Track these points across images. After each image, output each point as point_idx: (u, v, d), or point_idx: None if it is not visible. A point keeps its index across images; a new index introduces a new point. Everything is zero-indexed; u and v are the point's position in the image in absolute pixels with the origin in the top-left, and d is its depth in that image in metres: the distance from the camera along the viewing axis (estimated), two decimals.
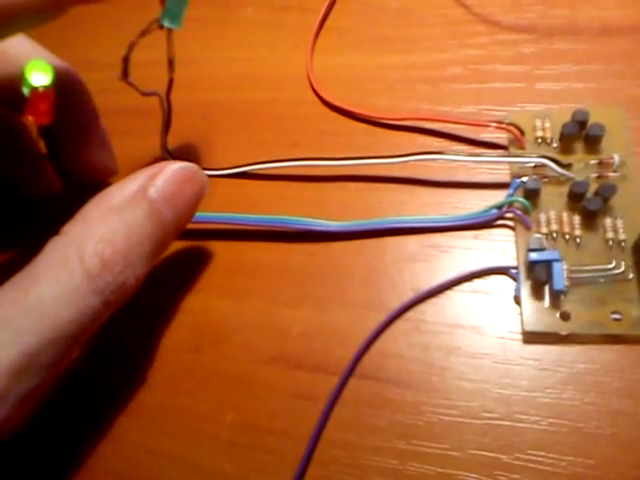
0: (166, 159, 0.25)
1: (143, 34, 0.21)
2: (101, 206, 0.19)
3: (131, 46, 0.21)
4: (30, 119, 0.19)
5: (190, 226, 0.22)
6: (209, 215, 0.24)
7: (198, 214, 0.24)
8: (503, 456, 0.20)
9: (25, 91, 0.19)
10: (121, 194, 0.19)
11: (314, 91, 0.28)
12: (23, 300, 0.17)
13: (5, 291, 0.17)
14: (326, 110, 0.27)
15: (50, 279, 0.17)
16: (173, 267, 0.25)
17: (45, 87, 0.19)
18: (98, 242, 0.18)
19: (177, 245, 0.25)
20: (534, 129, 0.24)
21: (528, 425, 0.20)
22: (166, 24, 0.21)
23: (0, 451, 0.19)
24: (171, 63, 0.23)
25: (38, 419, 0.22)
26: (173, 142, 0.25)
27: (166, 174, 0.20)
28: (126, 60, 0.22)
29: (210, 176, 0.26)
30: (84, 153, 0.24)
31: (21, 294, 0.17)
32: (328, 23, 0.30)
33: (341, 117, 0.27)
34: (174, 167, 0.20)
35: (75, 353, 0.19)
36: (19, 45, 0.22)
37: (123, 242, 0.18)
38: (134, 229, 0.19)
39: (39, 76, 0.19)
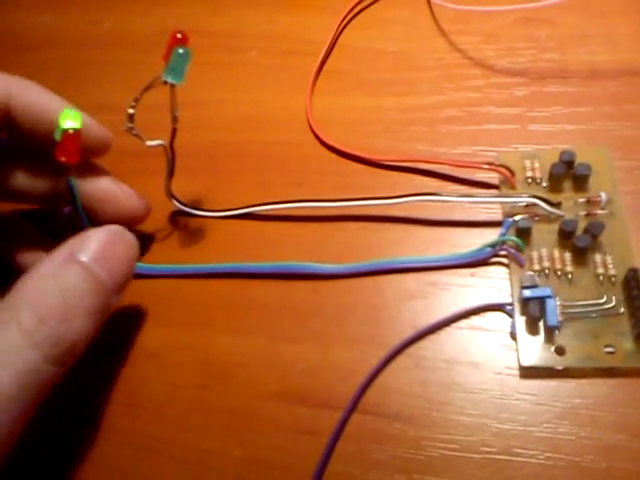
0: (171, 203, 0.27)
1: (146, 89, 0.22)
2: (34, 276, 0.20)
3: (136, 101, 0.22)
4: (63, 160, 0.21)
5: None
6: (214, 266, 0.26)
7: (203, 266, 0.26)
8: None
9: (57, 137, 0.22)
10: (52, 262, 0.20)
11: (313, 133, 0.29)
12: None
13: None
14: (327, 151, 0.29)
15: None
16: (179, 305, 0.25)
17: (74, 129, 0.21)
18: (32, 304, 0.19)
19: (183, 284, 0.26)
20: (524, 169, 0.25)
21: (526, 459, 0.20)
22: (169, 80, 0.22)
23: None
24: (174, 116, 0.24)
25: (53, 456, 0.23)
26: (179, 183, 0.26)
27: (91, 239, 0.21)
28: (131, 115, 0.23)
29: (214, 217, 0.27)
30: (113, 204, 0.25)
31: None
32: (328, 67, 0.32)
33: (341, 158, 0.28)
34: (99, 230, 0.22)
35: (27, 415, 0.18)
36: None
37: (57, 300, 0.19)
38: (68, 289, 0.20)
39: (70, 121, 0.22)
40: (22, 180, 0.25)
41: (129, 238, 0.23)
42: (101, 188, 0.25)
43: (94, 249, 0.21)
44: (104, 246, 0.21)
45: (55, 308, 0.19)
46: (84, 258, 0.21)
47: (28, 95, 0.22)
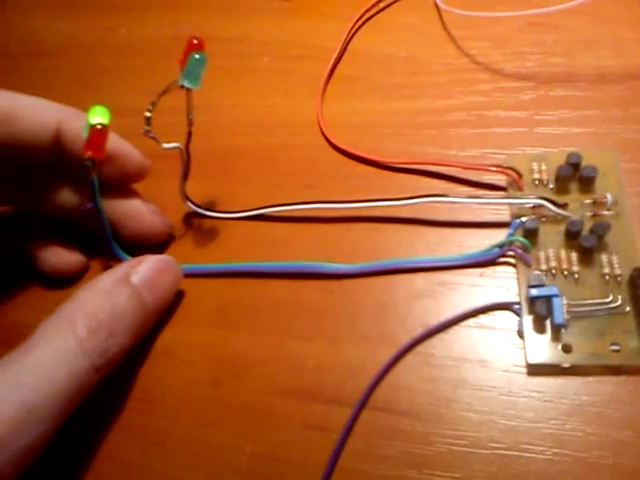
0: (185, 204, 0.27)
1: (163, 93, 0.23)
2: (90, 289, 0.23)
3: (153, 105, 0.23)
4: (89, 154, 0.22)
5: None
6: (227, 266, 0.26)
7: (216, 266, 0.26)
8: None
9: (85, 133, 0.23)
10: (108, 280, 0.23)
11: (324, 136, 0.30)
12: (23, 360, 0.20)
13: (8, 355, 0.20)
14: (337, 154, 0.29)
15: (47, 343, 0.20)
16: (194, 304, 0.26)
17: (102, 125, 0.22)
18: (86, 316, 0.21)
19: (198, 284, 0.26)
20: (531, 172, 0.26)
21: (533, 455, 0.21)
22: (185, 84, 0.23)
23: None
24: (190, 119, 0.24)
25: (71, 450, 0.23)
26: (192, 186, 0.27)
27: (147, 264, 0.24)
28: (148, 118, 0.23)
29: (227, 219, 0.28)
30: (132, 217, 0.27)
31: (22, 356, 0.20)
32: (339, 71, 0.32)
33: (352, 161, 0.29)
34: (154, 258, 0.24)
35: (71, 410, 0.21)
36: None
37: (107, 316, 0.22)
38: (118, 307, 0.22)
39: (97, 117, 0.23)
40: (68, 199, 0.26)
41: (177, 269, 0.25)
42: (127, 203, 0.26)
43: (146, 275, 0.23)
44: (155, 273, 0.24)
45: (105, 323, 0.21)
46: (136, 281, 0.23)
47: (76, 123, 0.24)
